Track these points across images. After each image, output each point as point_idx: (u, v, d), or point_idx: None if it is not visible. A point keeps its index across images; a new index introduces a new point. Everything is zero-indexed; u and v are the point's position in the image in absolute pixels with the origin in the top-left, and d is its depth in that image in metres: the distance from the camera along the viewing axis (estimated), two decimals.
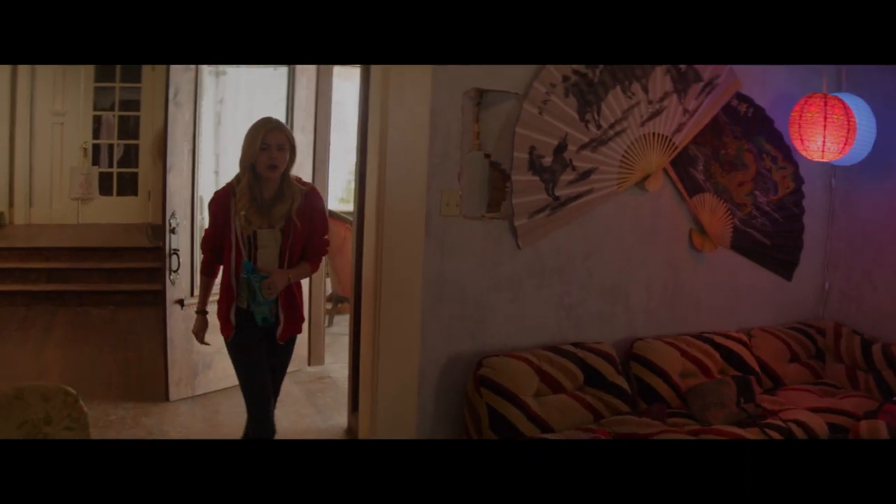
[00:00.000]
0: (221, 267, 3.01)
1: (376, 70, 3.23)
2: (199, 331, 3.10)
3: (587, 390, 3.37)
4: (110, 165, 9.02)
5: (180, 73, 4.19)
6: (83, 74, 8.68)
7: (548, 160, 3.40)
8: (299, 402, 4.53)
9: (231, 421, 4.11)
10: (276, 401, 3.09)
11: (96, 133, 8.90)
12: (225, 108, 4.63)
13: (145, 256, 7.38)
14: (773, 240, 4.07)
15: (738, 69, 3.78)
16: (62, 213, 8.77)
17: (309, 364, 5.14)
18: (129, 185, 9.13)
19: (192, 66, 4.24)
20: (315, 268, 3.11)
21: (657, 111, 3.62)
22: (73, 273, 7.13)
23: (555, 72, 3.35)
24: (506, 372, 3.17)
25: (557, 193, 3.45)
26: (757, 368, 3.80)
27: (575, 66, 3.39)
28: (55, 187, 8.79)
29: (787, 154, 4.01)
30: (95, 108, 8.86)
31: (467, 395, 3.25)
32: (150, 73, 8.55)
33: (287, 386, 3.24)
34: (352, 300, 4.08)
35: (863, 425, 3.23)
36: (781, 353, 3.94)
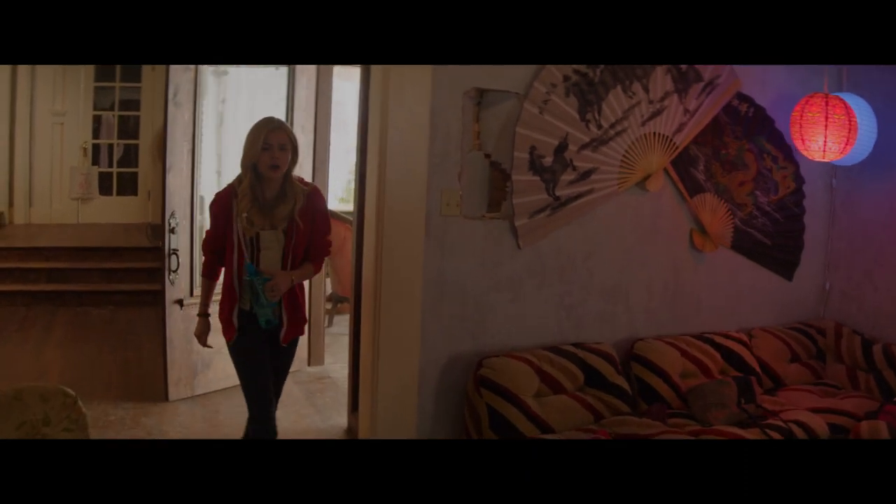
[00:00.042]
0: (223, 269, 2.99)
1: (376, 70, 3.23)
2: (202, 333, 3.07)
3: (587, 391, 3.36)
4: (110, 165, 9.03)
5: (180, 73, 4.18)
6: (83, 74, 8.68)
7: (548, 160, 3.39)
8: (299, 402, 4.53)
9: (231, 421, 4.10)
10: (277, 402, 3.08)
11: (96, 133, 8.91)
12: (227, 108, 4.63)
13: (145, 256, 7.38)
14: (774, 240, 4.06)
15: (739, 69, 3.77)
16: (62, 212, 8.78)
17: (309, 364, 5.13)
18: (128, 185, 9.14)
19: (192, 66, 4.23)
20: (318, 269, 3.08)
21: (658, 111, 3.61)
22: (73, 273, 7.12)
23: (555, 71, 3.34)
24: (506, 372, 3.17)
25: (558, 193, 3.44)
26: (757, 369, 3.79)
27: (575, 66, 3.38)
28: (55, 187, 8.80)
29: (787, 154, 4.00)
30: (95, 108, 8.87)
31: (467, 395, 3.24)
32: (150, 73, 8.56)
33: (287, 386, 3.24)
34: (352, 300, 4.07)
35: (863, 426, 3.23)
36: (782, 354, 3.94)
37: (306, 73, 4.82)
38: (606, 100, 3.48)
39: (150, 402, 4.37)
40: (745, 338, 3.90)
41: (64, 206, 8.80)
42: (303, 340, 4.83)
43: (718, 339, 3.80)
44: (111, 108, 8.95)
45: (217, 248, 2.96)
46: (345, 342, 4.91)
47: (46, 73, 8.53)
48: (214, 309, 3.05)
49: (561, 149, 3.41)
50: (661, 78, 3.59)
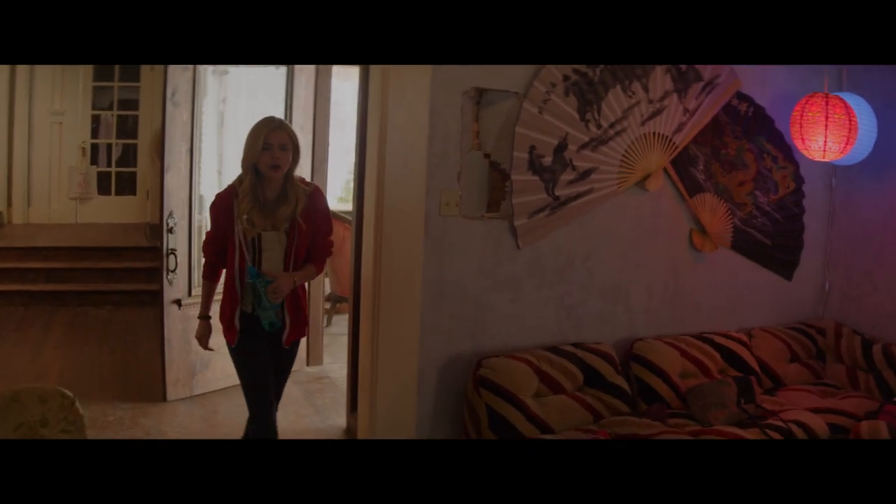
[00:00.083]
0: (223, 271, 2.94)
1: (375, 69, 3.22)
2: (203, 336, 3.02)
3: (587, 391, 3.36)
4: (109, 165, 9.03)
5: (178, 73, 4.18)
6: (82, 74, 8.68)
7: (548, 160, 3.39)
8: (298, 402, 4.52)
9: (229, 421, 4.09)
10: (277, 404, 3.06)
11: (95, 132, 8.90)
12: (227, 108, 4.62)
13: (143, 256, 7.37)
14: (774, 240, 4.06)
15: (739, 69, 3.77)
16: (60, 212, 8.77)
17: (307, 364, 5.13)
18: (127, 185, 9.13)
19: (190, 66, 4.23)
20: (320, 269, 3.05)
21: (657, 110, 3.61)
22: (72, 273, 7.12)
23: (555, 71, 3.34)
24: (505, 372, 3.17)
25: (557, 193, 3.44)
26: (757, 369, 3.79)
27: (575, 66, 3.38)
28: (54, 187, 8.79)
29: (787, 154, 4.00)
30: (94, 108, 8.86)
31: (466, 395, 3.24)
32: (148, 73, 8.55)
33: (286, 386, 3.23)
34: (351, 300, 4.07)
35: (863, 426, 3.23)
36: (782, 354, 3.94)
37: (305, 73, 4.81)
38: (606, 99, 3.48)
39: (149, 402, 4.36)
40: (744, 338, 3.90)
41: (62, 205, 8.80)
42: (302, 340, 4.83)
43: (718, 339, 3.80)
44: (110, 108, 8.94)
45: (218, 249, 2.91)
46: (344, 342, 4.91)
47: (45, 73, 8.52)
48: (214, 310, 3.01)
49: (560, 148, 3.41)
50: (660, 77, 3.59)
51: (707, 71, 3.69)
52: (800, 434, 3.23)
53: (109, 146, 8.99)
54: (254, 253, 2.84)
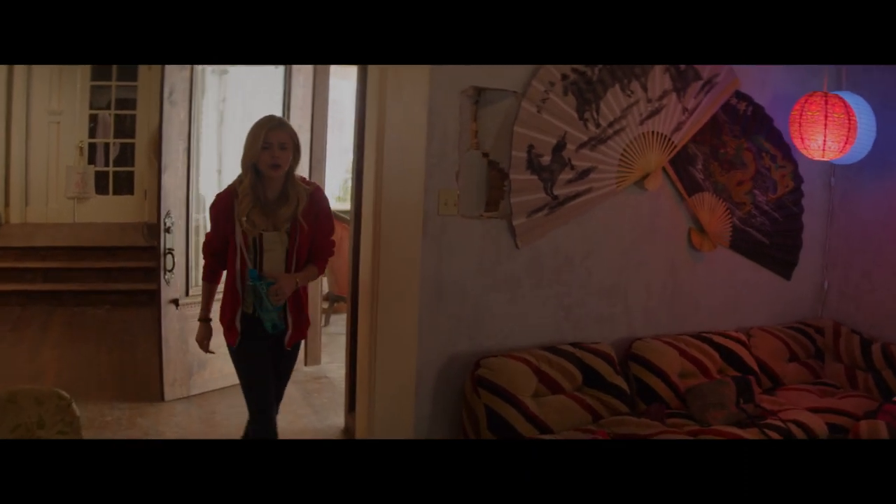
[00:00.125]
0: (224, 272, 2.91)
1: (374, 69, 3.21)
2: (204, 339, 2.97)
3: (586, 391, 3.35)
4: (106, 164, 9.01)
5: (175, 72, 4.16)
6: (79, 73, 8.66)
7: (546, 159, 3.38)
8: (296, 402, 4.51)
9: (227, 421, 4.09)
10: (278, 405, 3.03)
11: (92, 132, 8.88)
12: (227, 107, 4.61)
13: (141, 256, 7.36)
14: (773, 239, 4.06)
15: (738, 68, 3.77)
16: (58, 212, 8.75)
17: (305, 364, 5.12)
18: (125, 184, 9.11)
19: (188, 65, 4.21)
20: (322, 270, 3.02)
21: (656, 110, 3.60)
22: (70, 272, 7.10)
23: (553, 70, 3.33)
24: (504, 372, 3.16)
25: (556, 192, 3.43)
26: (756, 368, 3.79)
27: (574, 65, 3.37)
28: (51, 186, 8.77)
29: (786, 153, 4.00)
30: (92, 107, 8.84)
31: (465, 395, 3.23)
32: (146, 72, 8.53)
33: None
34: (349, 299, 4.06)
35: (862, 425, 3.22)
36: (780, 353, 3.94)
37: (303, 72, 4.80)
38: (605, 98, 3.47)
39: (146, 402, 4.35)
40: (743, 337, 3.89)
41: (60, 205, 8.78)
42: None
43: (717, 339, 3.79)
44: (107, 107, 8.93)
45: (218, 250, 2.87)
46: (341, 342, 4.90)
47: (43, 73, 8.50)
48: (215, 311, 2.97)
49: (559, 148, 3.40)
50: (659, 77, 3.58)
51: (706, 70, 3.69)
52: (799, 434, 3.23)
53: (107, 146, 8.97)
54: (255, 253, 2.80)
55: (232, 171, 3.16)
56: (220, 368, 4.38)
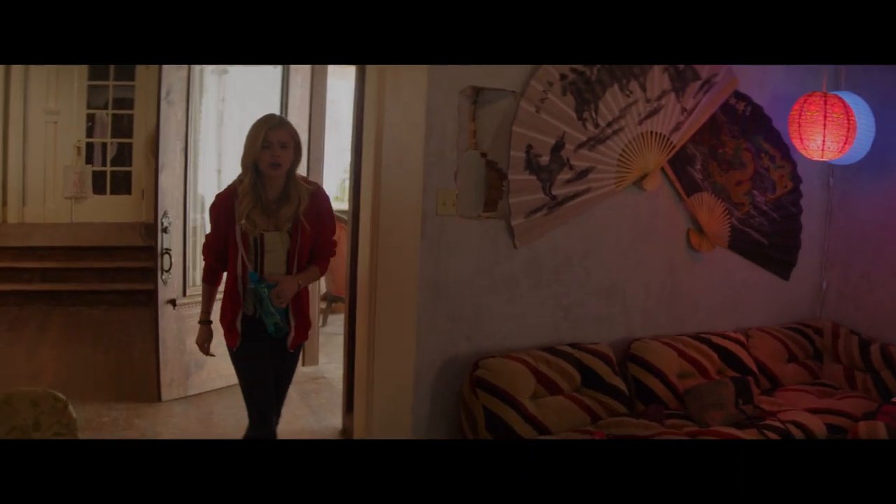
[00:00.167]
0: (224, 273, 2.87)
1: (372, 68, 3.21)
2: (204, 342, 2.93)
3: (584, 391, 3.34)
4: (104, 164, 9.00)
5: (172, 72, 4.15)
6: (77, 73, 8.65)
7: (545, 159, 3.38)
8: (293, 402, 4.49)
9: (224, 421, 4.08)
10: (280, 407, 3.01)
11: (90, 131, 8.87)
12: (227, 107, 4.60)
13: (139, 255, 7.34)
14: (771, 239, 4.05)
15: (736, 68, 3.76)
16: (56, 211, 8.74)
17: (303, 364, 5.11)
18: (122, 184, 9.10)
19: (185, 65, 4.20)
20: (324, 271, 2.99)
21: (655, 110, 3.60)
22: (67, 272, 7.09)
23: (552, 70, 3.33)
24: (502, 373, 3.15)
25: (554, 192, 3.42)
26: (755, 369, 3.78)
27: (572, 65, 3.36)
28: (49, 186, 8.76)
29: (785, 153, 3.99)
30: (89, 107, 8.83)
31: (463, 396, 3.22)
32: (143, 72, 8.52)
33: None
34: (347, 299, 4.05)
35: (861, 426, 3.22)
36: (779, 354, 3.93)
37: (301, 72, 4.79)
38: (603, 98, 3.46)
39: (143, 402, 4.34)
40: (742, 338, 3.89)
41: (57, 205, 8.77)
42: None
43: (715, 340, 3.79)
44: (105, 107, 8.92)
45: (218, 252, 2.83)
46: (339, 342, 4.88)
47: (40, 72, 8.49)
48: (215, 312, 2.94)
49: (557, 148, 3.39)
50: (658, 76, 3.58)
51: (705, 70, 3.68)
52: (798, 434, 3.22)
53: (104, 145, 8.96)
54: (256, 254, 2.77)
55: (231, 170, 3.14)
56: (217, 369, 4.37)
